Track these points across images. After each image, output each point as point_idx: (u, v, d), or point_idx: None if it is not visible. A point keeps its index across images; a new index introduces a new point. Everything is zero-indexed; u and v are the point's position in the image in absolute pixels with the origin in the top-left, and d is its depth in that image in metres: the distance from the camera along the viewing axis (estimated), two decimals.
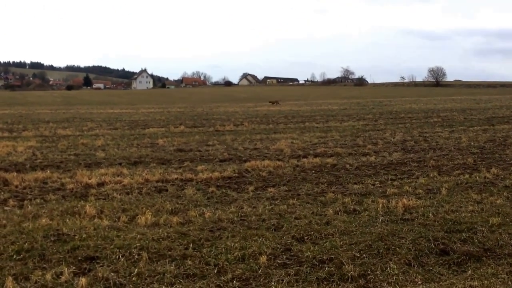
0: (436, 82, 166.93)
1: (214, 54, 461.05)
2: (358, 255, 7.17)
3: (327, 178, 13.28)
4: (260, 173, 14.04)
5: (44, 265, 7.02)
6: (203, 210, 9.92)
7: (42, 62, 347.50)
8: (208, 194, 11.62)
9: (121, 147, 20.63)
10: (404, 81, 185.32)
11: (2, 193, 11.79)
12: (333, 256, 7.14)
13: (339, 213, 9.66)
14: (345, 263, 6.85)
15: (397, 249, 7.34)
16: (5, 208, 10.45)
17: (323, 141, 21.37)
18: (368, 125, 29.72)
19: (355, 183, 12.56)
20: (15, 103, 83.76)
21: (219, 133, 26.13)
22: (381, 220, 8.96)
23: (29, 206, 10.36)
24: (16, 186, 12.53)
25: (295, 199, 10.84)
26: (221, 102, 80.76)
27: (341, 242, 7.69)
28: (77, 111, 53.92)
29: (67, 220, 9.28)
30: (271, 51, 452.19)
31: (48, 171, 14.38)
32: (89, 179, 13.16)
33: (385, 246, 7.42)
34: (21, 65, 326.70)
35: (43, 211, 9.99)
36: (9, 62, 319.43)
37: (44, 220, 9.16)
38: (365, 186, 12.20)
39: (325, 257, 7.12)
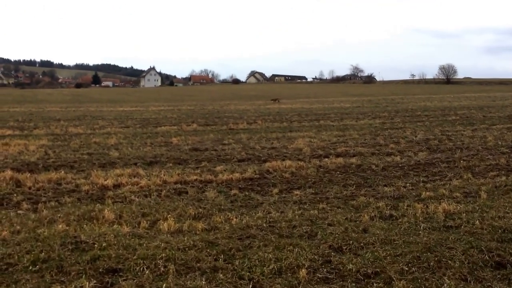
0: (447, 79, 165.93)
1: (221, 52, 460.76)
2: (407, 268, 6.50)
3: (354, 179, 12.62)
4: (283, 174, 13.39)
5: (63, 278, 6.41)
6: (228, 215, 9.29)
7: (51, 61, 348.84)
8: (231, 197, 11.00)
9: (135, 146, 20.03)
10: (414, 78, 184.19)
11: (15, 195, 11.19)
12: (378, 270, 6.48)
13: (375, 219, 9.01)
14: (394, 278, 6.19)
15: (449, 261, 6.67)
16: (19, 212, 9.87)
17: (342, 140, 20.69)
18: (386, 123, 29.00)
19: (385, 185, 11.91)
20: (25, 100, 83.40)
21: (233, 132, 25.48)
22: (423, 227, 8.29)
23: (44, 210, 9.78)
24: (29, 188, 11.95)
25: (325, 203, 10.19)
26: (231, 100, 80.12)
27: (384, 253, 7.03)
28: (87, 109, 53.40)
29: (85, 225, 8.68)
30: (279, 48, 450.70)
31: (62, 172, 13.79)
32: (105, 180, 12.55)
33: (435, 258, 6.75)
34: (31, 63, 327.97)
35: (59, 215, 9.39)
36: (20, 60, 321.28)
37: (60, 226, 8.56)
38: (396, 188, 11.53)
39: (370, 271, 6.46)
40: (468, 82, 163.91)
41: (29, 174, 13.41)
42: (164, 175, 13.14)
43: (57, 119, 36.23)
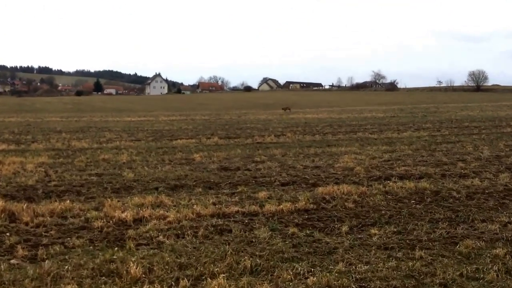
0: (477, 86, 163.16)
1: (230, 57, 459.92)
2: None
3: (440, 212, 10.54)
4: (345, 203, 11.31)
5: None
6: (297, 269, 7.27)
7: (50, 67, 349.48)
8: (290, 237, 8.97)
9: (151, 164, 18.06)
10: (441, 85, 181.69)
11: (8, 234, 9.22)
12: None
13: (500, 274, 6.95)
14: None
15: None
16: (12, 261, 7.87)
17: (395, 157, 18.60)
18: (435, 136, 26.90)
19: (484, 221, 9.85)
20: (22, 109, 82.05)
21: (262, 146, 23.47)
22: None
23: (46, 261, 7.74)
24: (27, 224, 9.97)
25: (421, 249, 8.10)
26: (247, 109, 78.27)
27: None
28: (91, 119, 51.63)
29: (103, 286, 6.65)
30: (292, 54, 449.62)
31: (67, 200, 11.79)
32: (122, 212, 10.57)
33: None
34: (28, 69, 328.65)
35: (66, 267, 7.41)
36: (16, 66, 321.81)
37: (69, 287, 6.54)
38: (501, 226, 9.44)
39: None
40: (500, 89, 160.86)
41: (26, 203, 11.45)
42: (196, 206, 11.10)
43: (58, 130, 34.39)
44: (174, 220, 10.03)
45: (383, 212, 10.59)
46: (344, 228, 9.38)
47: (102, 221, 10.02)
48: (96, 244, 8.70)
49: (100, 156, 20.08)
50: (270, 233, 9.17)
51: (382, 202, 11.43)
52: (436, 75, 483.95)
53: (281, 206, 11.00)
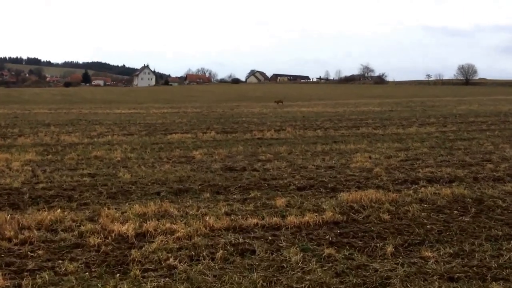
0: (466, 80, 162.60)
1: (218, 50, 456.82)
2: None
3: (495, 227, 8.99)
4: (379, 214, 9.72)
5: None
6: None
7: (39, 58, 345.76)
8: (327, 260, 7.41)
9: (148, 162, 16.41)
10: (430, 79, 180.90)
11: None
12: None
13: None
14: None
15: None
16: None
17: (413, 156, 17.07)
18: (444, 132, 25.38)
19: None
20: (10, 101, 79.73)
21: (264, 142, 21.84)
22: None
23: None
24: (10, 240, 8.30)
25: (495, 281, 6.55)
26: (238, 102, 76.48)
27: None
28: (80, 111, 49.68)
29: None
30: (278, 47, 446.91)
31: (57, 209, 10.13)
32: (122, 224, 8.95)
33: None
34: (17, 61, 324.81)
35: None
36: (5, 58, 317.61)
37: None
38: None
39: None
40: (489, 83, 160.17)
41: (10, 211, 9.80)
42: (207, 216, 9.48)
43: (47, 123, 32.51)
44: (184, 236, 8.40)
45: (428, 227, 9.00)
46: (389, 249, 7.79)
47: (99, 236, 8.38)
48: (93, 270, 7.08)
49: (92, 153, 18.39)
50: (301, 254, 7.57)
51: (422, 213, 9.84)
52: (421, 69, 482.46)
53: (306, 217, 9.40)
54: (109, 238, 8.37)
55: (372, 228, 8.95)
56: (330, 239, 8.38)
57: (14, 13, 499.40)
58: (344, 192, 11.56)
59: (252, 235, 8.56)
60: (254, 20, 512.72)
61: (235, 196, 11.48)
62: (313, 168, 15.10)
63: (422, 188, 11.88)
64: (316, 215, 9.53)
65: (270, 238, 8.45)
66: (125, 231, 8.59)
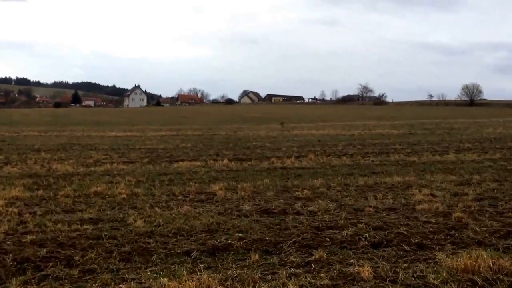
0: (471, 101, 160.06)
1: (210, 70, 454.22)
2: None
3: None
4: None
5: None
6: None
7: (28, 78, 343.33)
8: None
9: (160, 201, 13.56)
10: (432, 99, 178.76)
11: None
12: None
13: None
14: None
15: None
16: None
17: (486, 194, 14.14)
18: (495, 160, 22.36)
19: None
20: None
21: (289, 173, 19.00)
22: None
23: None
24: None
25: None
26: (237, 123, 73.65)
27: None
28: (72, 133, 46.65)
29: None
30: (271, 67, 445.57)
31: (52, 282, 7.18)
32: None
33: None
34: (6, 81, 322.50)
35: None
36: None
37: None
38: None
39: None
40: (495, 104, 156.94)
41: None
42: None
43: (36, 148, 29.54)
44: None
45: None
46: None
47: None
48: None
49: (91, 187, 15.49)
50: None
51: None
52: (419, 89, 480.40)
53: None
54: None
55: None
56: None
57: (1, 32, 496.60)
58: (439, 252, 8.69)
59: None
60: (247, 39, 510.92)
61: (293, 258, 8.54)
62: (371, 210, 12.23)
63: None
64: None
65: None
66: None
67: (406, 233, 9.97)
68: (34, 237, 9.77)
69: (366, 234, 9.88)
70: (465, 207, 12.34)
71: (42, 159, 23.65)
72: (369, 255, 8.70)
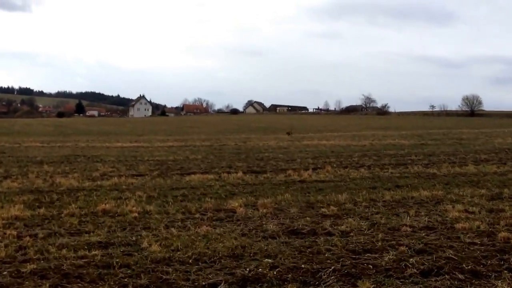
0: (471, 111, 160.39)
1: (215, 80, 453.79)
2: None
3: None
4: None
5: None
6: None
7: (31, 88, 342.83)
8: None
9: (176, 220, 12.40)
10: (434, 110, 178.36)
11: None
12: None
13: None
14: None
15: None
16: None
17: None
18: None
19: None
20: None
21: (309, 187, 17.86)
22: None
23: None
24: None
25: None
26: (245, 133, 72.60)
27: None
28: (76, 144, 45.49)
29: None
30: (275, 78, 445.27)
31: None
32: None
33: None
34: (8, 90, 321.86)
35: None
36: None
37: None
38: None
39: None
40: (494, 114, 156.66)
41: None
42: None
43: (39, 160, 28.36)
44: None
45: None
46: None
47: None
48: None
49: (98, 204, 14.31)
50: None
51: None
52: (420, 100, 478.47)
53: None
54: None
55: None
56: None
57: (3, 41, 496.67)
58: (497, 280, 7.55)
59: None
60: (250, 50, 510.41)
61: None
62: (408, 230, 11.05)
63: None
64: None
65: None
66: None
67: (455, 258, 8.76)
68: (35, 266, 8.57)
69: (412, 260, 8.69)
70: (508, 225, 11.20)
71: (44, 172, 22.48)
72: (421, 285, 7.53)
